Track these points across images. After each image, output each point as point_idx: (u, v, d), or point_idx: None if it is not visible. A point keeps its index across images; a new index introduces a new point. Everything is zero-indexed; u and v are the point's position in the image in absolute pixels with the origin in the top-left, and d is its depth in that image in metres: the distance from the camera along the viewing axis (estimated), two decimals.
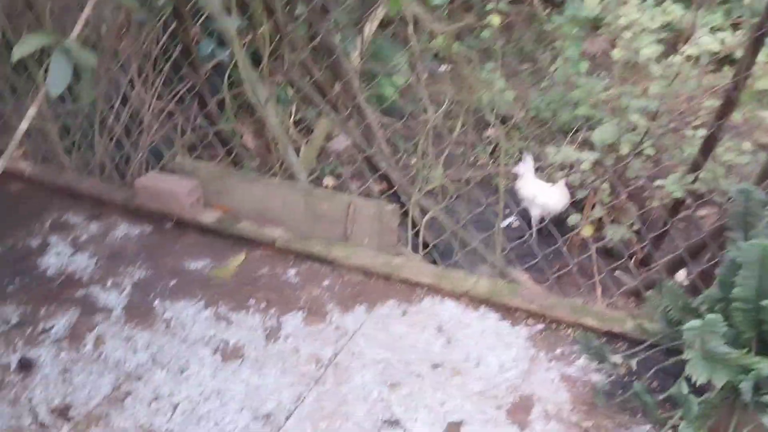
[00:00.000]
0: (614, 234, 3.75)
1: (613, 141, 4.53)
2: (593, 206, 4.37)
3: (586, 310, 2.58)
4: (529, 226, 4.81)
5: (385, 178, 3.81)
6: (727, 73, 5.44)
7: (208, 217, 3.18)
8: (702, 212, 4.68)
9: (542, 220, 4.81)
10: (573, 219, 4.19)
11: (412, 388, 2.29)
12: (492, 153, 5.71)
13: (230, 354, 2.46)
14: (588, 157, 3.82)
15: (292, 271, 2.88)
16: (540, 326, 2.56)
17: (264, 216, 3.15)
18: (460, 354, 2.43)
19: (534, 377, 2.33)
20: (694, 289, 4.06)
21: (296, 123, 3.93)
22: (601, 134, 4.41)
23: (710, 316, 1.69)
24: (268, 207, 3.14)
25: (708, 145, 3.22)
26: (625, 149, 4.29)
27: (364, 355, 2.43)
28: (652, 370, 2.19)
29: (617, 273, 4.48)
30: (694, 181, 3.36)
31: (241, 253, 3.00)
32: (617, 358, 2.20)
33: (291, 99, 3.62)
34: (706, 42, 3.86)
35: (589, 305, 2.64)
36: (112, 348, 2.51)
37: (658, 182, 3.59)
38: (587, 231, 4.18)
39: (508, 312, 2.62)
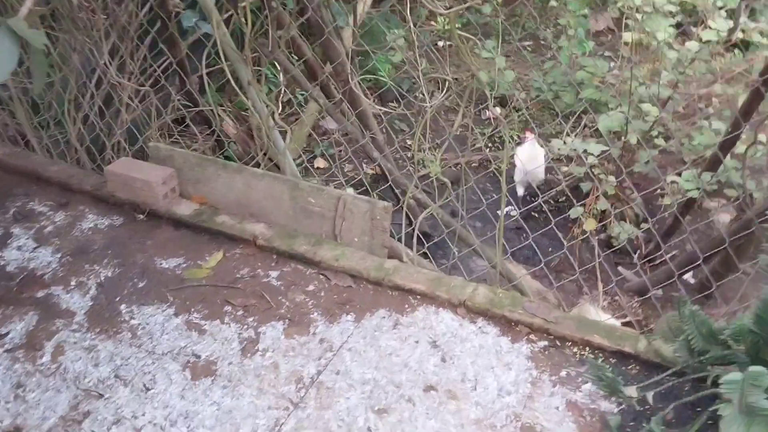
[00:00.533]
0: (621, 233, 3.51)
1: (620, 129, 4.28)
2: (597, 198, 4.13)
3: (593, 326, 2.36)
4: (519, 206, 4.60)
5: (378, 147, 3.56)
6: (738, 57, 5.18)
7: (184, 209, 2.92)
8: (713, 204, 4.45)
9: (528, 197, 4.62)
10: (575, 212, 3.96)
11: (402, 414, 2.06)
12: (491, 136, 5.46)
13: (201, 370, 2.22)
14: (595, 151, 3.56)
15: (274, 273, 2.63)
16: (543, 343, 2.33)
17: (245, 209, 2.89)
18: (455, 374, 2.20)
19: (536, 404, 2.11)
20: (701, 288, 3.88)
21: (283, 107, 3.65)
22: (607, 122, 4.15)
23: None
24: (250, 199, 2.88)
25: (731, 141, 2.96)
26: (632, 139, 4.05)
27: (350, 374, 2.20)
28: (671, 406, 1.96)
29: (620, 268, 4.27)
30: (713, 178, 3.12)
31: (218, 251, 2.75)
32: (632, 391, 1.98)
33: (277, 82, 3.34)
34: (723, 27, 3.58)
35: (596, 323, 2.40)
36: (72, 359, 2.27)
37: (671, 178, 3.34)
38: (590, 225, 3.96)
39: (508, 326, 2.39)
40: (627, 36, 4.19)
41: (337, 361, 2.24)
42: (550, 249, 4.36)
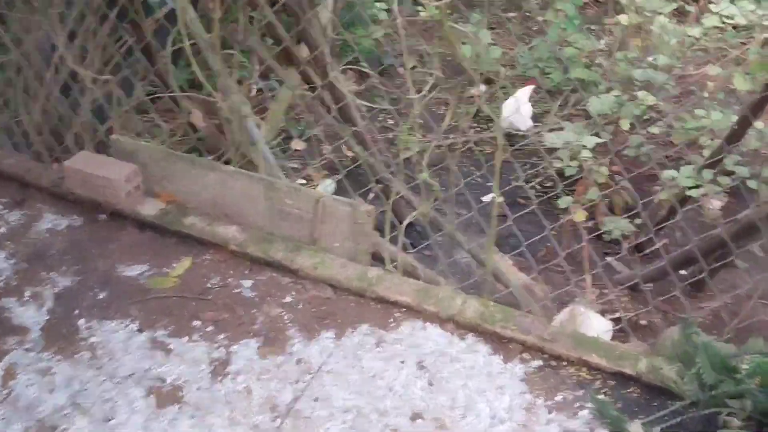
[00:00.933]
0: (614, 229, 3.35)
1: (611, 113, 4.09)
2: (586, 188, 3.96)
3: (591, 344, 2.20)
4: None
5: (360, 141, 3.34)
6: (729, 34, 4.98)
7: (149, 208, 2.69)
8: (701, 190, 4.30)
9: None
10: (564, 202, 3.78)
11: None
12: (475, 116, 5.23)
13: (167, 396, 2.03)
14: (590, 144, 3.37)
15: (247, 283, 2.44)
16: (537, 363, 2.17)
17: (216, 210, 2.68)
18: (444, 400, 2.04)
19: None
20: (696, 285, 3.75)
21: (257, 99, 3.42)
22: (598, 105, 3.96)
23: None
24: (222, 199, 2.67)
25: (738, 134, 2.78)
26: (625, 125, 3.86)
27: (330, 400, 2.02)
28: None
29: (610, 260, 4.11)
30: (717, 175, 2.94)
31: (186, 256, 2.54)
32: (636, 428, 1.83)
33: (250, 70, 3.10)
34: (730, 12, 3.39)
35: (594, 340, 2.24)
36: (25, 384, 2.07)
37: (668, 173, 3.16)
38: (579, 216, 3.78)
39: (500, 343, 2.23)
40: (623, 19, 3.98)
41: (316, 386, 2.06)
42: (537, 238, 4.19)
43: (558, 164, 3.63)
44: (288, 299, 2.37)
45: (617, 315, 3.56)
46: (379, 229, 2.81)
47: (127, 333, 2.23)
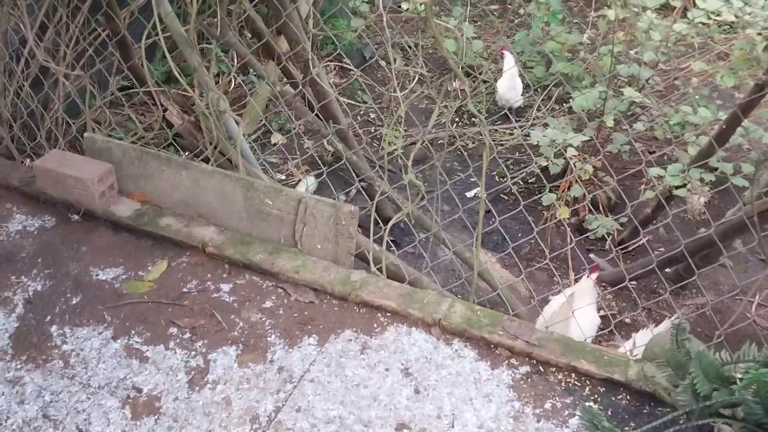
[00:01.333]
0: (599, 227, 3.31)
1: (595, 108, 4.06)
2: (570, 185, 3.92)
3: (580, 349, 2.15)
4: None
5: (343, 138, 3.28)
6: (713, 29, 4.96)
7: (124, 209, 2.60)
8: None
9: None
10: (548, 199, 3.74)
11: None
12: (458, 110, 5.17)
13: (143, 407, 1.95)
14: (576, 142, 3.31)
15: (226, 287, 2.36)
16: (525, 369, 2.12)
17: (193, 210, 2.60)
18: (431, 409, 1.98)
19: None
20: (677, 278, 3.73)
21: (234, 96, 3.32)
22: (582, 100, 3.91)
23: None
24: (199, 199, 2.58)
25: (727, 133, 2.74)
26: (609, 122, 3.82)
27: (312, 410, 1.95)
28: None
29: (592, 256, 4.09)
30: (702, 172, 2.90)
31: (162, 259, 2.45)
32: None
33: (228, 65, 3.01)
34: (715, 6, 3.35)
35: (582, 345, 2.19)
36: None
37: (654, 171, 3.12)
38: (563, 214, 3.75)
39: (487, 349, 2.17)
40: (609, 13, 3.93)
41: (298, 395, 1.99)
42: (520, 234, 4.15)
43: (543, 162, 3.58)
44: (268, 304, 2.30)
45: (601, 313, 3.54)
46: (363, 227, 2.75)
47: (101, 340, 2.15)
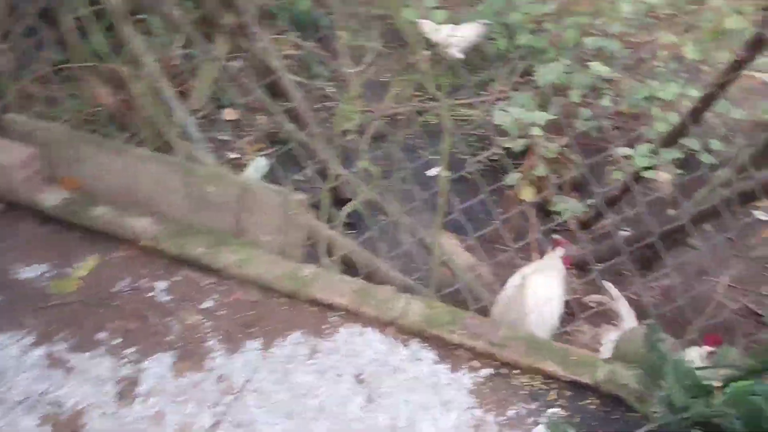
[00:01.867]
0: (564, 210, 3.16)
1: (561, 82, 3.89)
2: (534, 164, 3.77)
3: (545, 350, 2.01)
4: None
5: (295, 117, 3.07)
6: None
7: (51, 198, 2.37)
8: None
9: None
10: (511, 179, 3.58)
11: None
12: (420, 83, 4.95)
13: (65, 425, 1.75)
14: (541, 121, 3.14)
15: (162, 285, 2.15)
16: (487, 371, 1.97)
17: (128, 198, 2.37)
18: (384, 420, 1.82)
19: None
20: (643, 260, 3.62)
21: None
22: (547, 74, 3.74)
23: None
24: (134, 186, 2.36)
25: (700, 111, 2.60)
26: (575, 97, 3.67)
27: (254, 425, 1.78)
28: None
29: (556, 237, 3.93)
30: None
31: (92, 254, 2.23)
32: None
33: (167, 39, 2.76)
34: None
35: (548, 344, 2.04)
36: None
37: (622, 150, 2.97)
38: (526, 194, 3.59)
39: (447, 350, 2.02)
40: None
41: (239, 408, 1.81)
42: (482, 216, 3.99)
43: (507, 144, 3.42)
44: (208, 304, 2.10)
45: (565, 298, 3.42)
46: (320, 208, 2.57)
47: (21, 348, 1.93)
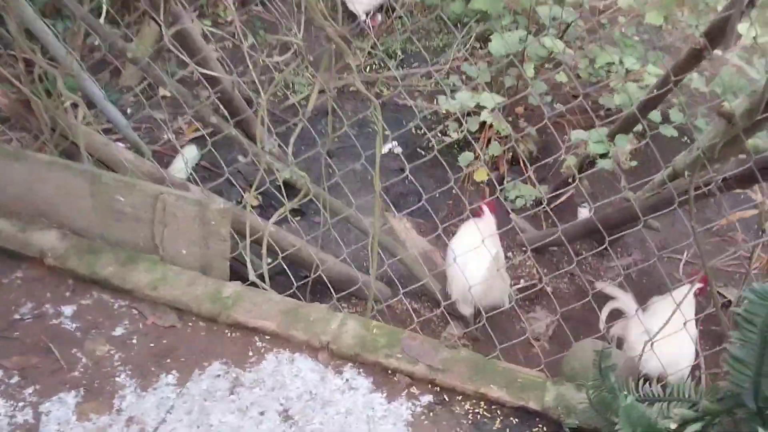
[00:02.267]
0: (517, 198, 2.98)
1: (515, 52, 3.65)
2: (488, 141, 3.57)
3: (490, 373, 1.85)
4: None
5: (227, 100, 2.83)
6: None
7: None
8: None
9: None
10: (464, 159, 3.38)
11: None
12: (371, 52, 4.68)
13: None
14: (489, 104, 2.93)
15: (68, 310, 1.93)
16: (427, 399, 1.81)
17: (33, 208, 2.13)
18: None
19: None
20: (601, 239, 3.48)
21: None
22: (500, 45, 3.51)
23: None
24: (39, 195, 2.11)
25: (656, 99, 2.41)
26: (529, 71, 3.45)
27: None
28: None
29: (513, 216, 3.78)
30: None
31: None
32: None
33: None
34: None
35: (493, 366, 1.88)
36: None
37: (576, 134, 2.78)
38: (480, 175, 3.41)
39: (384, 376, 1.85)
40: None
41: None
42: (438, 195, 3.80)
43: (453, 135, 3.22)
44: (119, 331, 1.89)
45: (523, 284, 3.29)
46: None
47: None
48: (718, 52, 2.31)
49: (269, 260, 2.76)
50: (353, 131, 3.89)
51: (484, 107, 2.91)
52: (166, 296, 1.94)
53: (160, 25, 2.20)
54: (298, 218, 3.23)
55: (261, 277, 2.11)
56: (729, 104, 2.16)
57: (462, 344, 2.90)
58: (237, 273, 2.14)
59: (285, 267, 2.16)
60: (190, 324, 1.92)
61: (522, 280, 3.32)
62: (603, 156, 2.64)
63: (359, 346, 1.86)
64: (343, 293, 2.35)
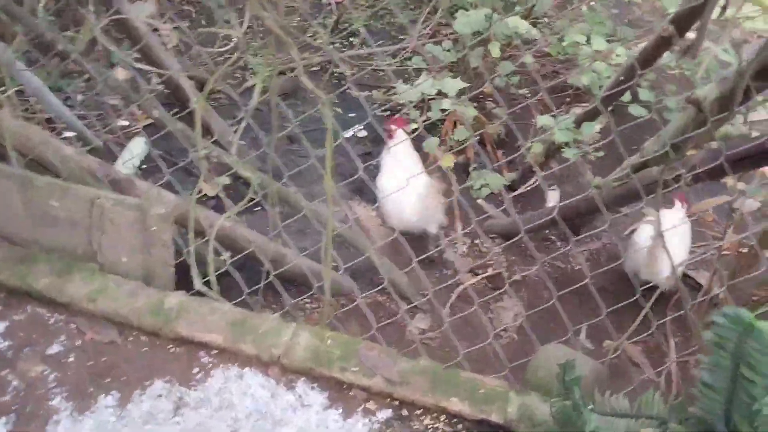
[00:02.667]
0: (482, 187, 2.87)
1: (482, 31, 3.52)
2: (454, 125, 3.46)
3: (451, 384, 1.75)
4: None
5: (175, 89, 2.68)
6: None
7: None
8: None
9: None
10: (429, 145, 3.26)
11: None
12: (334, 29, 4.50)
13: None
14: (451, 91, 2.79)
15: None
16: (385, 414, 1.71)
17: None
18: None
19: None
20: (570, 227, 3.41)
21: None
22: (465, 23, 3.37)
23: None
24: None
25: (619, 90, 2.31)
26: (495, 51, 3.33)
27: None
28: None
29: (481, 202, 3.67)
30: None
31: None
32: None
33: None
34: None
35: (454, 377, 1.78)
36: None
37: (542, 120, 2.66)
38: (446, 161, 3.29)
39: (339, 391, 1.75)
40: None
41: None
42: None
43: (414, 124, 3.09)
44: (55, 349, 1.76)
45: (491, 273, 3.20)
46: None
47: None
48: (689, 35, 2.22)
49: (226, 257, 2.66)
50: (316, 114, 3.75)
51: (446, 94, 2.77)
52: (105, 309, 1.82)
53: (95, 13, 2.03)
54: (258, 209, 3.10)
55: (209, 283, 1.98)
56: (698, 88, 2.07)
57: (428, 338, 2.85)
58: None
59: (231, 271, 2.02)
60: (131, 339, 1.80)
61: (490, 269, 3.23)
62: (569, 144, 2.53)
63: (312, 359, 1.76)
64: (299, 298, 2.23)
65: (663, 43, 2.01)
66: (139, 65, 2.34)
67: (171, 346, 1.79)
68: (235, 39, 4.17)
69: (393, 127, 2.85)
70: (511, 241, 3.08)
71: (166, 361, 1.76)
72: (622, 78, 2.25)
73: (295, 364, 1.76)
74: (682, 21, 1.92)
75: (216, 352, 1.78)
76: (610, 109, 2.69)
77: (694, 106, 2.10)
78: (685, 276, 3.26)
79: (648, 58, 2.09)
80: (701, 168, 2.01)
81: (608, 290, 2.89)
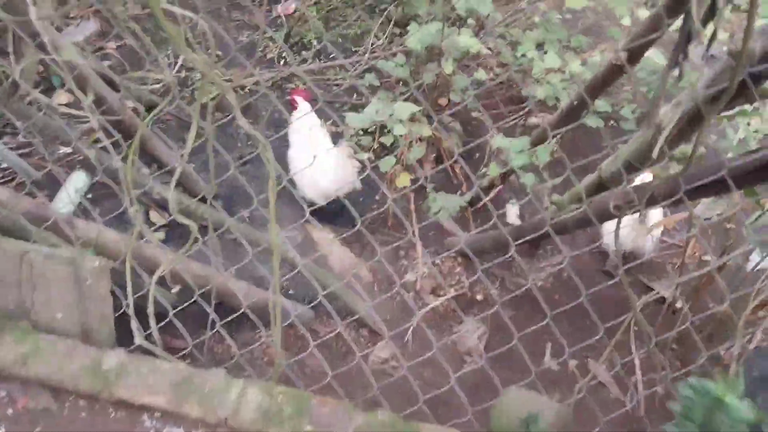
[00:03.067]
0: (441, 210, 2.79)
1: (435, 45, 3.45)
2: (410, 144, 3.37)
3: None
4: None
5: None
6: None
7: None
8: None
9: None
10: (386, 164, 3.16)
11: None
12: (287, 39, 4.37)
13: None
14: (404, 114, 2.70)
15: None
16: None
17: None
18: None
19: None
20: (532, 247, 3.37)
21: None
22: (418, 39, 3.29)
23: None
24: None
25: (576, 111, 2.25)
26: (448, 69, 3.26)
27: None
28: None
29: (442, 221, 3.60)
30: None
31: None
32: None
33: None
34: None
35: (417, 427, 1.71)
36: None
37: (498, 142, 2.58)
38: (403, 180, 3.21)
39: None
40: None
41: None
42: (361, 199, 3.59)
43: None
44: None
45: (453, 294, 3.14)
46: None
47: None
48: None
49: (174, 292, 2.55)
50: (268, 132, 3.63)
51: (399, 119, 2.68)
52: (38, 373, 1.69)
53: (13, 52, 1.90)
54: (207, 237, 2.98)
55: (151, 336, 1.87)
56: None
57: (391, 366, 2.77)
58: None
59: (175, 323, 1.90)
60: (67, 405, 1.68)
61: (453, 289, 3.17)
62: (524, 168, 2.46)
63: (262, 420, 1.66)
64: (245, 350, 2.13)
65: (615, 71, 1.95)
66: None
67: (111, 410, 1.68)
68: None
69: (296, 97, 2.99)
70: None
71: (107, 426, 1.65)
72: (575, 102, 2.19)
73: (244, 426, 1.66)
74: (635, 49, 1.86)
75: (159, 414, 1.68)
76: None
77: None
78: (647, 288, 3.25)
79: (599, 86, 2.03)
80: (660, 195, 1.97)
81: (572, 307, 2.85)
